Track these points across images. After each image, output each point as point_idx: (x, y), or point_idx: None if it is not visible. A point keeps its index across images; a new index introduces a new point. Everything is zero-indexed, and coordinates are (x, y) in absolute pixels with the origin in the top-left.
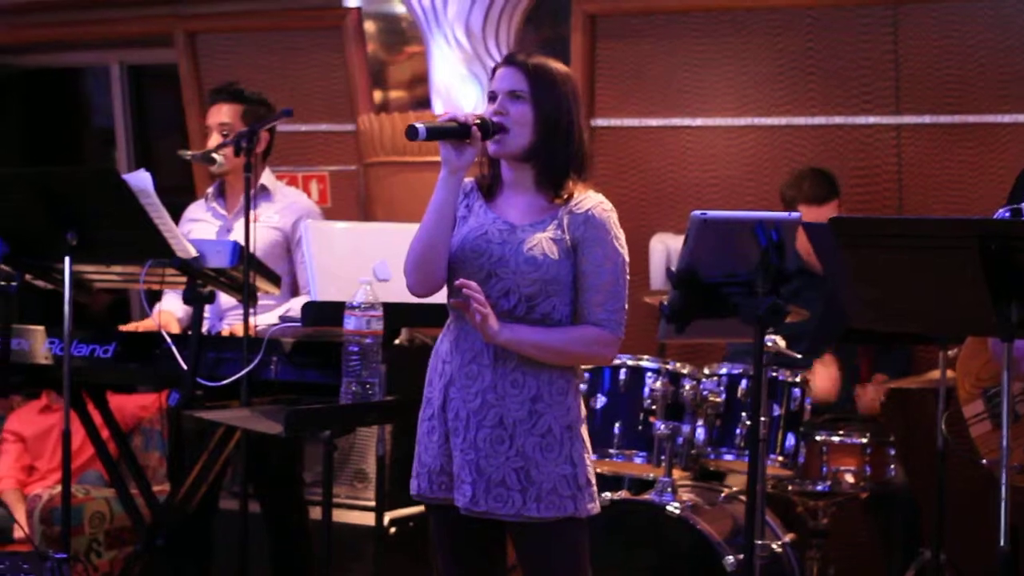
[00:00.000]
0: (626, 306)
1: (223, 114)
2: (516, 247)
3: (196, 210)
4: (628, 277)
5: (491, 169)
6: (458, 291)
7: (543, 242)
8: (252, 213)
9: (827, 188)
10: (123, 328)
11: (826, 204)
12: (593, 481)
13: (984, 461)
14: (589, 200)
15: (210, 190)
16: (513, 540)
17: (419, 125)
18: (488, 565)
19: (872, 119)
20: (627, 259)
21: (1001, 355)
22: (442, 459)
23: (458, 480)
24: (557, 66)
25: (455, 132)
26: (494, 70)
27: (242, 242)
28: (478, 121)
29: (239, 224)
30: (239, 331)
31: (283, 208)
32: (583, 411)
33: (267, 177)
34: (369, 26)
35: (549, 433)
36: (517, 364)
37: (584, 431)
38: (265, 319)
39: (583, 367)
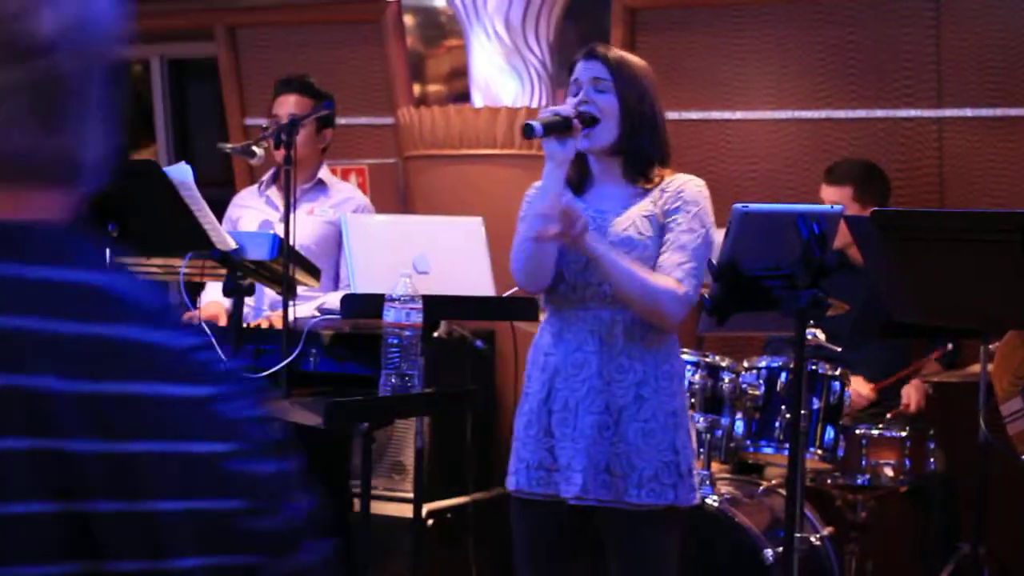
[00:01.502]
0: (703, 278)
1: (292, 105)
2: (609, 230)
3: (249, 197)
4: (711, 255)
5: (578, 166)
6: (579, 293)
7: (636, 221)
8: (308, 206)
9: (845, 173)
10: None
11: (834, 186)
12: (695, 471)
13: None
14: (679, 179)
15: (265, 177)
16: (608, 531)
17: (535, 123)
18: (569, 566)
19: (913, 112)
20: (714, 237)
21: None
22: (540, 453)
23: (568, 470)
24: (635, 59)
25: (562, 126)
26: (572, 65)
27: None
28: (577, 113)
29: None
30: (276, 320)
31: (338, 203)
32: (688, 400)
33: (324, 172)
34: (408, 20)
35: (653, 419)
36: (622, 349)
37: (688, 420)
38: (304, 309)
39: None
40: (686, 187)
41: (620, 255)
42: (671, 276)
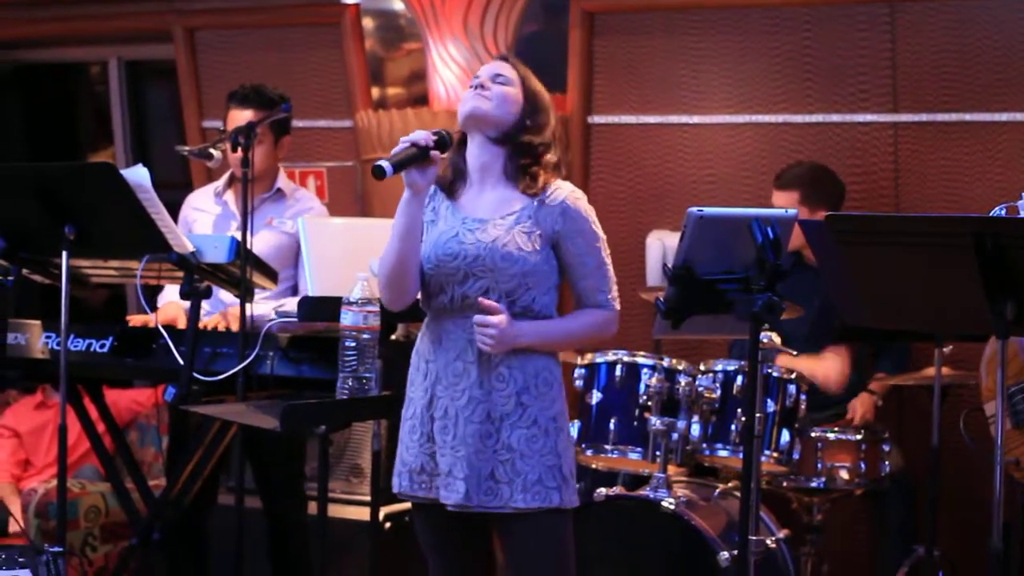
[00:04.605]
0: (615, 279)
1: (246, 119)
2: (490, 245)
3: (204, 200)
4: (608, 250)
5: (453, 167)
6: (457, 304)
7: (516, 236)
8: (267, 217)
9: (792, 178)
10: (132, 320)
11: (782, 191)
12: (575, 473)
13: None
14: (561, 191)
15: (221, 182)
16: (498, 533)
17: (385, 164)
18: (471, 560)
19: (869, 117)
20: (604, 236)
21: (1018, 352)
22: (423, 458)
23: (450, 478)
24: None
25: (418, 158)
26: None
27: (247, 238)
28: (435, 139)
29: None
30: (232, 317)
31: (296, 213)
32: (566, 404)
33: (282, 180)
34: (367, 22)
35: (535, 424)
36: (501, 360)
37: (567, 424)
38: (261, 308)
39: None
40: (570, 204)
41: (546, 326)
42: (595, 303)
